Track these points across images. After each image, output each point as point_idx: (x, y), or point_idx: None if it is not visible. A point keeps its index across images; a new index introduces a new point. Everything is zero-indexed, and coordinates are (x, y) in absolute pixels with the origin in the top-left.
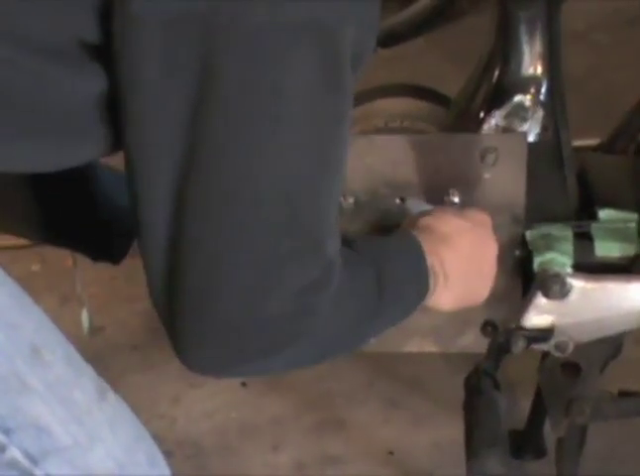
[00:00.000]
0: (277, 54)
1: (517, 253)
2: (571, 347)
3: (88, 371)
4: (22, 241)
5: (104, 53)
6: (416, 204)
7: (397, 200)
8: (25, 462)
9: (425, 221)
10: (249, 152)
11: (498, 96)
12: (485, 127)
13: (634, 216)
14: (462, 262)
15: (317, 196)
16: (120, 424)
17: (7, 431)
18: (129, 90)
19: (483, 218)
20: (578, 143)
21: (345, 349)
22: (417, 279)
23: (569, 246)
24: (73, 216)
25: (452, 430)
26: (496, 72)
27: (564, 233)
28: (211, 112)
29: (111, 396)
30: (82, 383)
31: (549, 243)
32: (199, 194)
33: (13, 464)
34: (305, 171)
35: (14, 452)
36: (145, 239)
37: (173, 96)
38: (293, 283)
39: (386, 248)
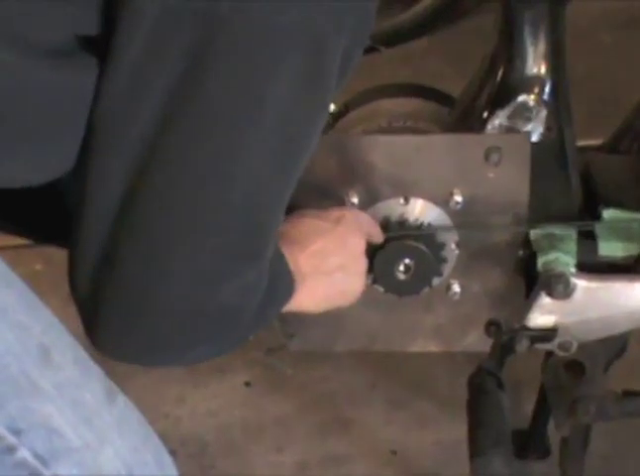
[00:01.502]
0: (269, 55)
1: (521, 253)
2: (574, 347)
3: (97, 372)
4: (25, 241)
5: (101, 45)
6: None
7: (401, 200)
8: (34, 463)
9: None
10: (217, 148)
11: (502, 96)
12: (489, 127)
13: (638, 216)
14: (317, 262)
15: (273, 204)
16: (128, 426)
17: (18, 432)
18: (111, 69)
19: (342, 215)
20: (581, 142)
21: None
22: (287, 282)
23: (572, 246)
24: None
25: (455, 430)
26: (500, 72)
27: (567, 233)
28: (188, 103)
29: (120, 397)
30: (91, 384)
31: (553, 243)
32: (158, 182)
33: (23, 465)
34: (268, 177)
35: (24, 453)
36: (86, 218)
37: (154, 79)
38: (232, 283)
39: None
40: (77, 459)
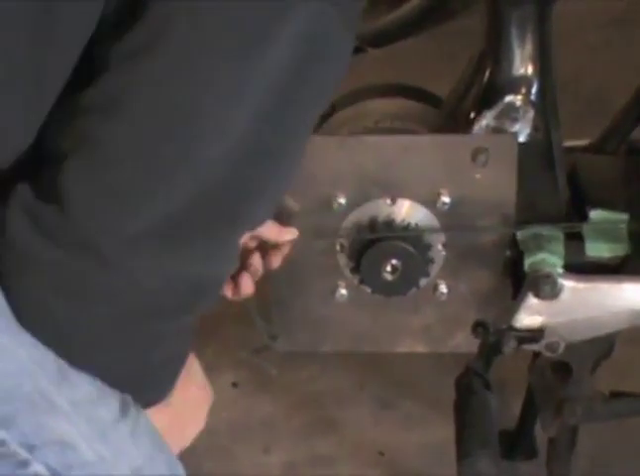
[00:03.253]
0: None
1: (508, 253)
2: (562, 347)
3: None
4: None
5: None
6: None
7: (388, 201)
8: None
9: None
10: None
11: (489, 96)
12: (476, 127)
13: (624, 217)
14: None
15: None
16: (141, 436)
17: (31, 448)
18: None
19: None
20: (568, 143)
21: None
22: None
23: (560, 246)
24: None
25: (443, 431)
26: (487, 73)
27: (555, 233)
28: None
29: (132, 408)
30: (107, 399)
31: (540, 243)
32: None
33: None
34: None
35: (37, 467)
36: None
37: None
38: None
39: None
40: (91, 472)
